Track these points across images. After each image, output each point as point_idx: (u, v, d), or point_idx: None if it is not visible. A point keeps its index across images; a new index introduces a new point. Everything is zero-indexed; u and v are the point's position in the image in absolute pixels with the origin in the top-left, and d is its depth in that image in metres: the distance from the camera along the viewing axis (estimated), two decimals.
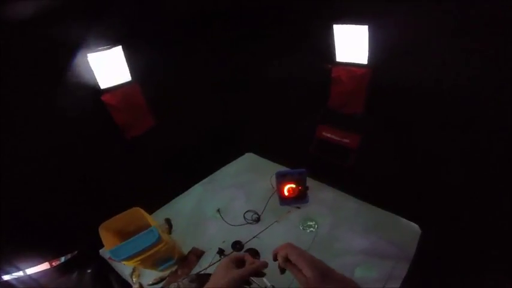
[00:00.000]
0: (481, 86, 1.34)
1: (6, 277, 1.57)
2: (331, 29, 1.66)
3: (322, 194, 2.07)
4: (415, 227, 1.69)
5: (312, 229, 1.84)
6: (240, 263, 0.83)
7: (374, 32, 1.54)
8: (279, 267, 0.81)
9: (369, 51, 1.62)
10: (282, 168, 2.21)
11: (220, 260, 1.68)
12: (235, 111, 2.36)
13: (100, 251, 1.81)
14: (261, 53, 2.10)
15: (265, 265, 0.80)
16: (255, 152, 2.61)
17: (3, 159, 1.44)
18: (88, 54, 1.59)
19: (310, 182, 1.98)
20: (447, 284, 1.24)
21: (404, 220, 1.76)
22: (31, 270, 1.67)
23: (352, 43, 1.66)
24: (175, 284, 1.05)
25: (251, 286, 0.83)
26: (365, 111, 1.84)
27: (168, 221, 1.95)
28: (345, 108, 1.93)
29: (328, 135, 2.12)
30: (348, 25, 1.61)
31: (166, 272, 1.66)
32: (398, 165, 1.79)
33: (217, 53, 2.15)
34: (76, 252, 1.83)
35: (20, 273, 1.63)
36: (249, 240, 1.77)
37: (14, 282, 1.56)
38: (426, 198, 1.67)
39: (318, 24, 1.69)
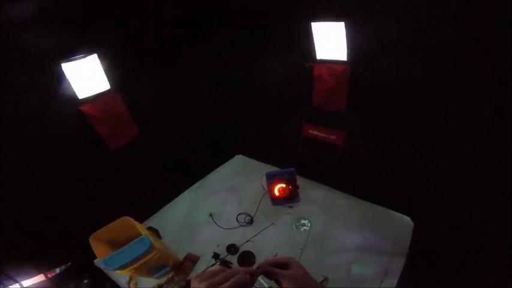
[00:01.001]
0: (459, 80, 1.36)
1: None
2: (310, 27, 1.66)
3: (313, 192, 2.08)
4: (407, 220, 1.72)
5: (305, 227, 1.84)
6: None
7: (351, 28, 1.55)
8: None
9: (347, 47, 1.63)
10: (272, 169, 2.20)
11: (216, 264, 1.66)
12: (222, 114, 2.34)
13: (95, 261, 1.77)
14: (246, 55, 2.09)
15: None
16: (245, 154, 2.60)
17: None
18: (62, 64, 1.53)
19: (300, 181, 1.98)
20: (444, 276, 1.26)
21: (396, 214, 1.79)
22: (27, 283, 1.61)
23: (330, 40, 1.67)
24: None
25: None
26: (348, 107, 1.85)
27: (152, 229, 1.91)
28: (328, 106, 1.94)
29: (315, 132, 2.12)
30: (325, 22, 1.62)
31: (163, 279, 1.64)
32: (384, 159, 1.81)
33: (201, 58, 2.11)
34: (70, 263, 1.78)
35: (17, 286, 1.58)
36: (244, 244, 1.75)
37: None
38: (415, 190, 1.69)
39: (297, 23, 1.69)
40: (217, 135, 2.40)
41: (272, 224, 1.87)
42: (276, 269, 0.72)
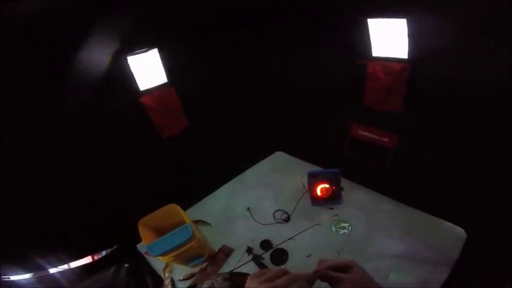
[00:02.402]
0: None
1: (52, 270, 1.72)
2: (365, 23, 1.58)
3: (356, 195, 1.98)
4: (460, 231, 1.55)
5: (345, 231, 1.77)
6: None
7: (414, 25, 1.43)
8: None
9: (408, 45, 1.51)
10: (313, 168, 2.16)
11: (249, 260, 1.68)
12: (265, 109, 2.35)
13: (137, 246, 1.91)
14: (292, 49, 2.06)
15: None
16: (285, 151, 2.58)
17: (43, 158, 1.54)
18: (128, 57, 1.68)
19: (343, 182, 1.91)
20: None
21: (447, 223, 1.62)
22: (75, 264, 1.81)
23: (389, 37, 1.56)
24: (210, 281, 1.07)
25: None
26: (404, 108, 1.71)
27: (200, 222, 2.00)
28: (381, 106, 1.81)
29: (365, 133, 2.01)
30: (384, 19, 1.52)
31: (196, 269, 1.71)
32: (438, 166, 1.65)
33: (248, 52, 2.14)
34: (116, 246, 1.93)
35: (65, 267, 1.78)
36: (284, 242, 1.73)
37: (58, 276, 1.69)
38: (469, 202, 1.52)
39: (349, 18, 1.62)
40: (258, 131, 2.41)
41: (317, 224, 1.82)
42: (337, 273, 0.66)
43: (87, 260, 1.91)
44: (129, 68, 1.73)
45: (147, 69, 1.82)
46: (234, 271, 1.59)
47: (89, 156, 1.71)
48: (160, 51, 1.80)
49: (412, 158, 1.79)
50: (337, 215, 1.86)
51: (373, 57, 1.70)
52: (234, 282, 1.06)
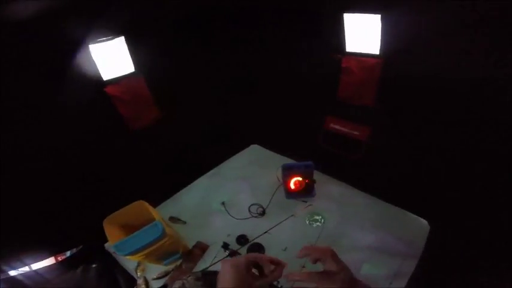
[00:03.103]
0: (501, 81, 1.26)
1: (12, 272, 1.59)
2: (341, 18, 1.58)
3: (330, 188, 2.03)
4: (423, 223, 1.65)
5: (318, 223, 1.81)
6: (255, 266, 0.74)
7: (387, 21, 1.46)
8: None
9: (381, 41, 1.55)
10: (289, 161, 2.16)
11: (226, 255, 1.66)
12: (240, 103, 2.32)
13: (105, 245, 1.80)
14: (268, 44, 2.04)
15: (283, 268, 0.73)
16: (261, 144, 2.57)
17: (7, 156, 1.43)
18: (90, 46, 1.55)
19: (317, 176, 1.94)
20: (453, 281, 1.21)
21: (413, 216, 1.71)
22: (37, 265, 1.69)
23: (363, 33, 1.59)
24: (180, 281, 1.03)
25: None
26: (376, 103, 1.77)
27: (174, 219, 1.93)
28: (355, 100, 1.86)
29: (337, 127, 2.06)
30: (360, 14, 1.53)
31: (171, 266, 1.66)
32: (408, 159, 1.73)
33: (222, 48, 2.09)
34: (81, 246, 1.84)
35: (26, 269, 1.65)
36: (259, 236, 1.72)
37: (21, 277, 1.58)
38: (436, 193, 1.62)
39: (326, 13, 1.62)
40: (234, 124, 2.38)
41: (292, 215, 1.83)
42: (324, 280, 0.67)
43: (50, 261, 1.79)
44: (91, 56, 1.60)
45: (112, 58, 1.70)
46: (208, 270, 1.56)
47: (50, 152, 1.59)
48: (127, 40, 1.67)
49: (383, 151, 1.87)
50: (311, 205, 1.90)
51: (347, 52, 1.72)
52: (207, 281, 1.04)
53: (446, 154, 1.54)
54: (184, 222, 1.93)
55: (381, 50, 1.58)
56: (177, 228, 1.86)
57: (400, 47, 1.49)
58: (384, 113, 1.77)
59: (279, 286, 0.77)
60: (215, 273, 1.12)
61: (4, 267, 1.54)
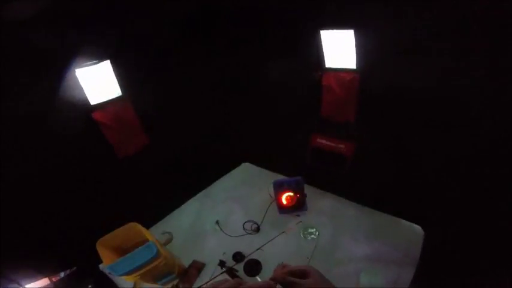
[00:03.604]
0: (474, 88, 1.34)
1: None
2: (318, 35, 1.67)
3: (321, 201, 2.06)
4: (417, 228, 1.67)
5: (313, 236, 1.81)
6: None
7: (360, 36, 1.55)
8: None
9: (356, 55, 1.63)
10: (279, 177, 2.19)
11: (222, 272, 1.63)
12: (228, 123, 2.36)
13: (100, 265, 1.77)
14: (252, 63, 2.11)
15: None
16: (252, 162, 2.59)
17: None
18: (76, 70, 1.57)
19: (308, 190, 1.97)
20: (453, 286, 1.21)
21: (406, 222, 1.74)
22: (31, 286, 1.62)
23: (340, 48, 1.67)
24: None
25: None
26: (357, 118, 1.83)
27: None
28: (337, 117, 1.91)
29: (323, 141, 2.10)
30: (334, 30, 1.63)
31: (168, 286, 1.62)
32: (394, 169, 1.77)
33: (208, 65, 2.14)
34: (75, 268, 1.77)
35: None
36: (252, 253, 1.72)
37: None
38: (425, 199, 1.65)
39: (306, 31, 1.71)
40: (224, 144, 2.40)
41: (283, 232, 1.84)
42: (295, 278, 0.68)
43: (44, 282, 1.70)
44: (78, 81, 1.62)
45: (99, 82, 1.71)
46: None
47: (43, 174, 1.57)
48: (113, 63, 1.71)
49: (369, 163, 1.91)
50: (301, 221, 1.91)
51: (327, 68, 1.79)
52: None
53: (433, 160, 1.59)
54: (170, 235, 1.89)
55: (357, 64, 1.65)
56: (171, 248, 1.82)
57: (377, 59, 1.57)
58: (366, 127, 1.82)
59: None
60: None
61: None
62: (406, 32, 1.39)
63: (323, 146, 2.10)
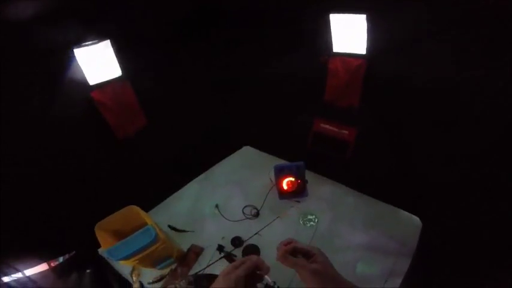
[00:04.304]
0: (484, 83, 1.29)
1: (5, 279, 1.55)
2: (327, 19, 1.59)
3: (322, 188, 2.05)
4: (416, 220, 1.68)
5: (312, 223, 1.82)
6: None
7: (373, 21, 1.48)
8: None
9: (367, 41, 1.56)
10: (281, 162, 2.17)
11: (220, 257, 1.66)
12: (231, 105, 2.31)
13: (99, 250, 1.78)
14: (256, 47, 2.03)
15: (259, 262, 0.75)
16: (253, 146, 2.57)
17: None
18: (74, 50, 1.52)
19: (309, 176, 1.95)
20: (450, 279, 1.23)
21: (405, 213, 1.75)
22: (30, 272, 1.64)
23: (349, 33, 1.60)
24: (173, 286, 1.03)
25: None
26: (361, 104, 1.79)
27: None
28: (340, 101, 1.88)
29: (326, 127, 2.07)
30: (345, 14, 1.55)
31: (166, 270, 1.64)
32: (396, 157, 1.76)
33: (211, 50, 2.08)
34: (74, 252, 1.80)
35: (19, 275, 1.61)
36: (250, 238, 1.74)
37: (14, 284, 1.53)
38: (426, 190, 1.65)
39: (313, 14, 1.62)
40: (225, 126, 2.38)
41: (278, 217, 1.85)
42: (297, 259, 0.69)
43: (43, 267, 1.75)
44: (76, 61, 1.57)
45: (99, 62, 1.66)
46: (201, 273, 1.56)
47: (40, 158, 1.56)
48: (113, 43, 1.64)
49: (371, 150, 1.89)
50: (292, 207, 1.92)
51: (334, 53, 1.73)
52: (199, 286, 1.04)
53: (436, 151, 1.57)
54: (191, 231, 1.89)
55: (367, 49, 1.59)
56: (170, 232, 1.84)
57: (387, 46, 1.51)
58: (371, 113, 1.79)
59: (276, 287, 0.77)
60: (207, 277, 1.13)
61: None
62: (422, 19, 1.31)
63: (326, 131, 2.08)
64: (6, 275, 1.54)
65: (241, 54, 2.12)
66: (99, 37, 1.59)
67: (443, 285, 1.25)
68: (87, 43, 1.55)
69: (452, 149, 1.49)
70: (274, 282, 0.77)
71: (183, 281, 1.04)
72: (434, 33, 1.33)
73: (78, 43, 1.52)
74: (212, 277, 1.15)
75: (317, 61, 1.76)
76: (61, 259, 1.78)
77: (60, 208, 1.69)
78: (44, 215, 1.64)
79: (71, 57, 1.54)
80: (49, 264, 1.71)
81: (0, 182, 1.43)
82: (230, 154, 2.51)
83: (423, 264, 1.43)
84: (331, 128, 2.06)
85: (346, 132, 1.99)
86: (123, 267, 1.67)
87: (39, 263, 1.67)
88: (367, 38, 1.56)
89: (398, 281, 1.40)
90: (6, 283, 1.55)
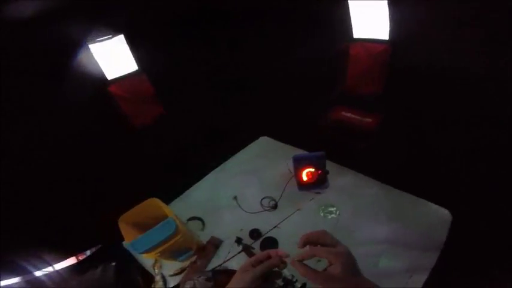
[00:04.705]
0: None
1: (37, 273, 1.64)
2: (346, 5, 1.48)
3: (342, 178, 1.97)
4: (445, 212, 1.57)
5: (333, 215, 1.77)
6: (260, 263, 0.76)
7: (395, 7, 1.36)
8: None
9: (390, 26, 1.45)
10: (299, 152, 2.11)
11: (239, 251, 1.65)
12: (247, 94, 2.26)
13: (123, 243, 1.82)
14: (273, 36, 1.95)
15: (281, 259, 0.73)
16: (270, 136, 2.52)
17: (21, 156, 1.46)
18: (90, 45, 1.53)
19: (329, 165, 1.88)
20: (480, 275, 1.15)
21: (433, 205, 1.64)
22: (59, 265, 1.73)
23: (370, 18, 1.49)
24: (192, 282, 1.03)
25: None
26: (385, 90, 1.68)
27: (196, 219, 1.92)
28: (363, 88, 1.77)
29: (348, 115, 1.98)
30: (365, 1, 1.43)
31: (187, 263, 1.67)
32: (421, 147, 1.65)
33: (223, 43, 2.02)
34: (100, 245, 1.86)
35: (50, 269, 1.70)
36: (269, 231, 1.71)
37: (44, 279, 1.62)
38: (455, 182, 1.53)
39: (330, 1, 1.52)
40: (241, 117, 2.33)
41: (298, 209, 1.80)
42: (326, 248, 0.66)
43: (71, 260, 1.83)
44: (93, 56, 1.58)
45: (114, 57, 1.67)
46: (218, 268, 1.56)
47: (63, 154, 1.60)
48: (127, 38, 1.64)
49: (395, 139, 1.79)
50: (313, 198, 1.86)
51: (355, 38, 1.63)
52: (217, 281, 1.03)
53: (463, 141, 1.45)
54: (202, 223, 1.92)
55: (390, 35, 1.47)
56: (189, 224, 1.86)
57: (411, 32, 1.39)
58: (394, 100, 1.67)
59: (294, 280, 0.74)
60: (226, 273, 1.12)
61: (29, 267, 1.58)
62: (448, 6, 1.19)
63: (347, 119, 1.98)
64: (38, 269, 1.63)
65: (255, 45, 2.05)
66: (113, 32, 1.58)
67: (474, 284, 1.16)
68: (101, 38, 1.55)
69: (482, 141, 1.37)
70: (293, 276, 0.73)
71: (201, 277, 1.04)
72: (463, 19, 1.19)
73: (92, 39, 1.52)
74: (231, 272, 1.15)
75: (335, 48, 1.66)
76: (88, 252, 1.85)
77: (84, 202, 1.75)
78: (70, 210, 1.71)
79: (87, 53, 1.55)
80: (77, 258, 1.79)
81: (31, 178, 1.49)
82: (247, 145, 2.48)
83: (452, 261, 1.33)
84: (353, 116, 1.96)
85: (369, 120, 1.89)
86: (146, 260, 1.71)
87: (68, 257, 1.75)
88: (390, 24, 1.44)
89: (424, 276, 1.32)
90: (39, 278, 1.64)
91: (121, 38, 1.61)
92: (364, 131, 1.91)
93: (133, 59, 1.73)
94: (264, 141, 2.51)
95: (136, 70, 1.79)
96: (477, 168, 1.41)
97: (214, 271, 1.12)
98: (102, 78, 1.69)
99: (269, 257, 0.73)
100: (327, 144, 2.05)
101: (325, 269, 0.65)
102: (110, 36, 1.57)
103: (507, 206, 1.24)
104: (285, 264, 0.73)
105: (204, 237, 1.77)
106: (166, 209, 1.57)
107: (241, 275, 0.70)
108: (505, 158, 1.25)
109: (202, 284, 1.02)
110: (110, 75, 1.71)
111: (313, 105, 2.08)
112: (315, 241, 0.71)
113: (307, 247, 0.73)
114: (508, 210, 1.21)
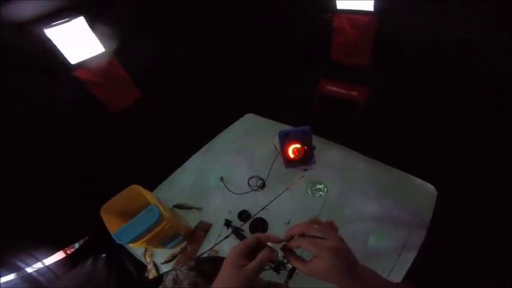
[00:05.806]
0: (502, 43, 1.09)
1: (28, 269, 1.59)
2: None
3: (330, 154, 1.96)
4: (430, 188, 1.59)
5: (321, 193, 1.77)
6: (250, 252, 0.69)
7: None
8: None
9: None
10: (285, 128, 2.06)
11: (228, 235, 1.65)
12: (231, 70, 2.13)
13: (112, 233, 1.82)
14: (256, 5, 1.78)
15: (272, 253, 0.70)
16: (256, 112, 2.44)
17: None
18: (45, 30, 1.36)
19: (316, 141, 1.84)
20: (468, 251, 1.18)
21: (419, 180, 1.65)
22: (49, 260, 1.69)
23: None
24: (174, 272, 1.02)
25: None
26: (372, 62, 1.59)
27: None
28: (349, 60, 1.68)
29: (333, 88, 1.90)
30: None
31: (177, 249, 1.67)
32: (410, 121, 1.61)
33: (205, 12, 1.84)
34: (87, 237, 1.83)
35: (40, 265, 1.67)
36: (258, 212, 1.71)
37: (36, 275, 1.60)
38: (439, 156, 1.53)
39: None
40: (225, 94, 2.22)
41: (287, 189, 1.79)
42: (311, 240, 0.64)
43: (60, 255, 1.81)
44: (51, 41, 1.41)
45: (76, 41, 1.50)
46: (208, 253, 1.57)
47: (38, 146, 1.51)
48: (88, 19, 1.46)
49: (382, 112, 1.74)
50: (303, 176, 1.85)
51: (338, 9, 1.50)
52: (201, 271, 1.02)
53: (451, 115, 1.41)
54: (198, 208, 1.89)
55: (375, 6, 1.36)
56: (177, 210, 1.85)
57: (397, 2, 1.28)
58: (381, 73, 1.59)
59: (285, 261, 0.72)
60: (210, 261, 1.11)
61: (19, 264, 1.56)
62: None
63: (332, 93, 1.91)
64: (28, 265, 1.58)
65: (242, 15, 1.88)
66: (71, 14, 1.40)
67: (462, 260, 1.20)
68: (58, 22, 1.38)
69: (471, 115, 1.33)
70: (283, 257, 0.71)
71: (184, 266, 1.03)
72: None
73: (47, 23, 1.35)
74: (217, 260, 1.14)
75: (319, 18, 1.53)
76: (76, 245, 1.81)
77: (64, 195, 1.68)
78: (51, 203, 1.63)
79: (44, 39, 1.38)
80: (65, 252, 1.77)
81: (10, 174, 1.41)
82: (232, 123, 2.40)
83: (440, 238, 1.36)
84: (338, 89, 1.89)
85: (355, 93, 1.82)
86: (137, 249, 1.70)
87: (56, 251, 1.71)
88: None
89: (413, 253, 1.35)
90: (30, 274, 1.59)
91: (81, 19, 1.44)
92: (350, 104, 1.85)
93: (97, 41, 1.56)
94: (249, 118, 2.44)
95: (103, 52, 1.63)
96: (468, 146, 1.39)
97: (199, 259, 1.10)
98: (67, 63, 1.53)
99: (258, 241, 0.70)
100: (314, 119, 2.00)
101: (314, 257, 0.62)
102: (68, 19, 1.39)
103: (498, 182, 1.24)
104: (276, 254, 0.70)
105: (192, 222, 1.76)
106: (149, 195, 1.53)
107: (232, 271, 0.65)
108: (500, 132, 1.23)
109: (185, 274, 1.00)
110: (74, 59, 1.55)
111: (299, 78, 1.98)
112: (301, 234, 0.68)
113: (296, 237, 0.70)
114: (498, 186, 1.22)
